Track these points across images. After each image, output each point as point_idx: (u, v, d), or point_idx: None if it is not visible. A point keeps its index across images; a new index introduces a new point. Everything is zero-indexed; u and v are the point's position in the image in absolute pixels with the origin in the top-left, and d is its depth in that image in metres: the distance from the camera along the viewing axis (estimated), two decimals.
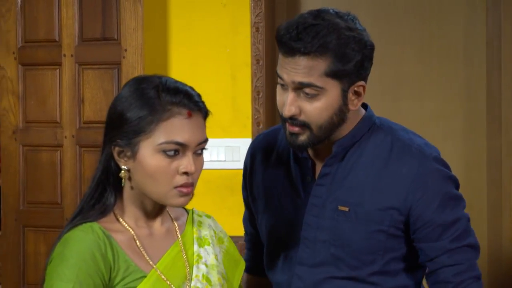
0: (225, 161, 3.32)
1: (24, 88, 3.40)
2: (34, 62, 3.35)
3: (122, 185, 1.72)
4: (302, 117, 1.85)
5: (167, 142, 1.65)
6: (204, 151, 1.71)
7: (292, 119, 1.86)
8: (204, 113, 1.73)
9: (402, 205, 1.86)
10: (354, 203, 1.88)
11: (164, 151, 1.66)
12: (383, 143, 1.91)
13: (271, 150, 2.06)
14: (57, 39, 3.32)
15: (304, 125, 1.86)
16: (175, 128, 1.66)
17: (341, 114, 1.87)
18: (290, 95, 1.85)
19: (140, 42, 3.18)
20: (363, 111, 1.97)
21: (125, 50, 3.20)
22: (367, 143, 1.92)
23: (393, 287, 1.92)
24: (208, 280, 1.79)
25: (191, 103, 1.68)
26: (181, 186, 1.68)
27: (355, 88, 1.87)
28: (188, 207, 1.84)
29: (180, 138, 1.66)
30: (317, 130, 1.86)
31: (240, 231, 3.23)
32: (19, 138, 3.41)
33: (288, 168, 2.00)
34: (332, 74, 1.82)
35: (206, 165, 3.49)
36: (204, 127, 1.72)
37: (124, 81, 3.15)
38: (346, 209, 1.89)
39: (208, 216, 1.92)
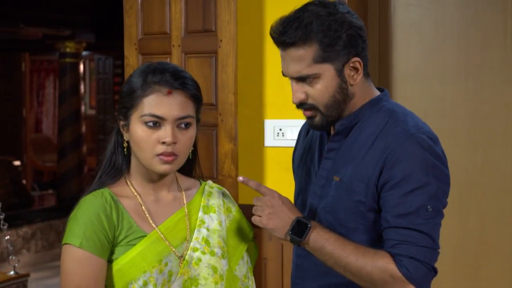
0: None
1: None
2: (150, 52, 3.61)
3: (125, 153, 1.92)
4: (309, 101, 1.97)
5: (146, 115, 1.85)
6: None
7: (302, 105, 1.98)
8: (191, 93, 1.89)
9: (376, 176, 1.92)
10: (344, 174, 1.98)
11: (145, 123, 1.85)
12: (380, 123, 1.97)
13: (308, 131, 2.22)
14: (167, 32, 3.56)
15: (313, 108, 1.97)
16: (154, 102, 1.85)
17: (343, 90, 1.96)
18: (294, 84, 1.98)
19: (233, 33, 3.35)
20: (376, 93, 2.05)
21: (221, 40, 3.39)
22: (368, 122, 1.99)
23: None
24: (207, 242, 1.93)
25: (176, 82, 1.87)
26: (161, 154, 1.85)
27: (351, 65, 1.95)
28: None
29: (157, 112, 1.85)
30: (325, 110, 1.97)
31: None
32: None
33: (314, 145, 2.14)
34: (321, 59, 1.93)
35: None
36: (187, 104, 1.88)
37: (220, 68, 3.41)
38: (338, 179, 1.99)
39: (220, 188, 2.05)
